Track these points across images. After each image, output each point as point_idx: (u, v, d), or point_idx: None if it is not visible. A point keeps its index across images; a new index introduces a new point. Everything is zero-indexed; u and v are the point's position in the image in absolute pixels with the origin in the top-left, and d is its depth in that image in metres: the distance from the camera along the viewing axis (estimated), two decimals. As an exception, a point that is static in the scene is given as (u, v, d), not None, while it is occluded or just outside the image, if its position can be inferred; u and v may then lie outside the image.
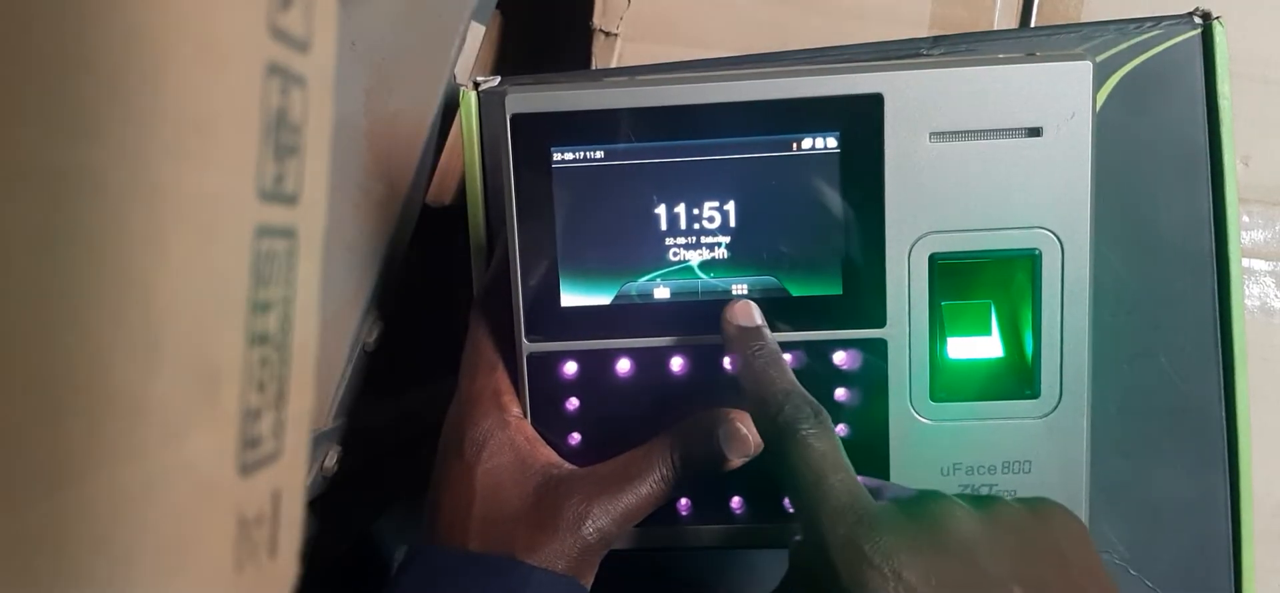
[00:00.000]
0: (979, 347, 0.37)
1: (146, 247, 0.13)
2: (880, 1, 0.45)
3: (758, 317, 0.34)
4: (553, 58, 0.55)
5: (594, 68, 0.46)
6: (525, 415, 0.37)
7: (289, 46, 0.16)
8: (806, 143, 0.34)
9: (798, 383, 0.32)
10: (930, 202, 0.34)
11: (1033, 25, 0.45)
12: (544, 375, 0.36)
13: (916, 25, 0.45)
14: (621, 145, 0.35)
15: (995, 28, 0.45)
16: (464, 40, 0.45)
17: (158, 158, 0.13)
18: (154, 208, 0.13)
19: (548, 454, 0.36)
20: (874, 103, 0.34)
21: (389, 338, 0.44)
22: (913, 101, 0.34)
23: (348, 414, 0.44)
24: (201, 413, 0.14)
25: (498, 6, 0.49)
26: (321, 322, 0.17)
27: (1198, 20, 0.38)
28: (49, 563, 0.12)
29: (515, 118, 0.34)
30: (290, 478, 0.17)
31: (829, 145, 0.34)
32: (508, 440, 0.35)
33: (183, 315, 0.14)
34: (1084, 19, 0.44)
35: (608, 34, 0.46)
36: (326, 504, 0.43)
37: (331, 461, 0.42)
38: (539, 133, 0.35)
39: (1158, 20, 0.39)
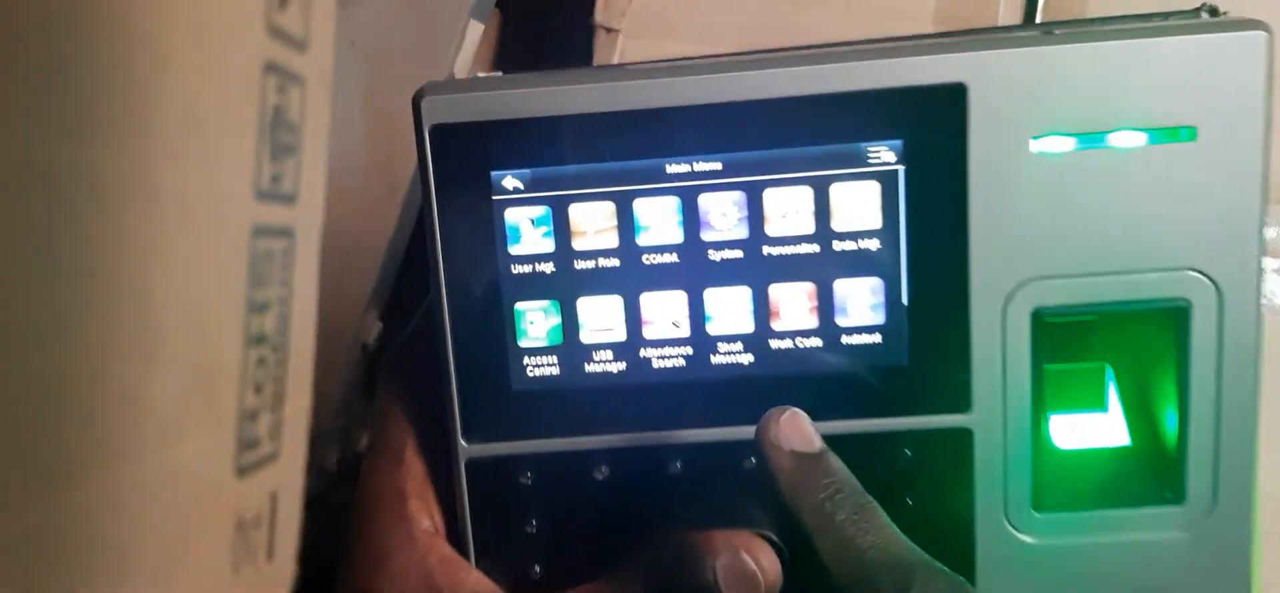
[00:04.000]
0: (1093, 429, 0.28)
1: (143, 246, 0.13)
2: (882, -2, 0.45)
3: (816, 437, 0.24)
4: (553, 57, 0.55)
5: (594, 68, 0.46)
6: (463, 524, 0.28)
7: (287, 45, 0.15)
8: (857, 154, 0.25)
9: (913, 546, 0.22)
10: (1033, 235, 0.25)
11: (1038, 21, 0.45)
12: (488, 487, 0.27)
13: (920, 20, 0.45)
14: (597, 166, 0.26)
15: (999, 23, 0.45)
16: (463, 38, 0.45)
17: (154, 157, 0.13)
18: (151, 207, 0.13)
19: (474, 584, 0.27)
20: (953, 96, 0.25)
21: (389, 338, 0.44)
22: (1008, 94, 0.25)
23: (347, 414, 0.44)
24: (199, 414, 0.14)
25: (497, 4, 0.49)
26: (320, 322, 0.17)
27: (1205, 16, 0.38)
28: (46, 564, 0.12)
29: (438, 131, 0.25)
30: (288, 479, 0.17)
31: (888, 158, 0.25)
32: (415, 563, 0.26)
33: (180, 316, 0.14)
34: (1090, 14, 0.44)
35: (609, 30, 0.45)
36: (325, 505, 0.43)
37: (330, 461, 0.42)
38: (473, 151, 0.26)
39: (1166, 15, 0.38)
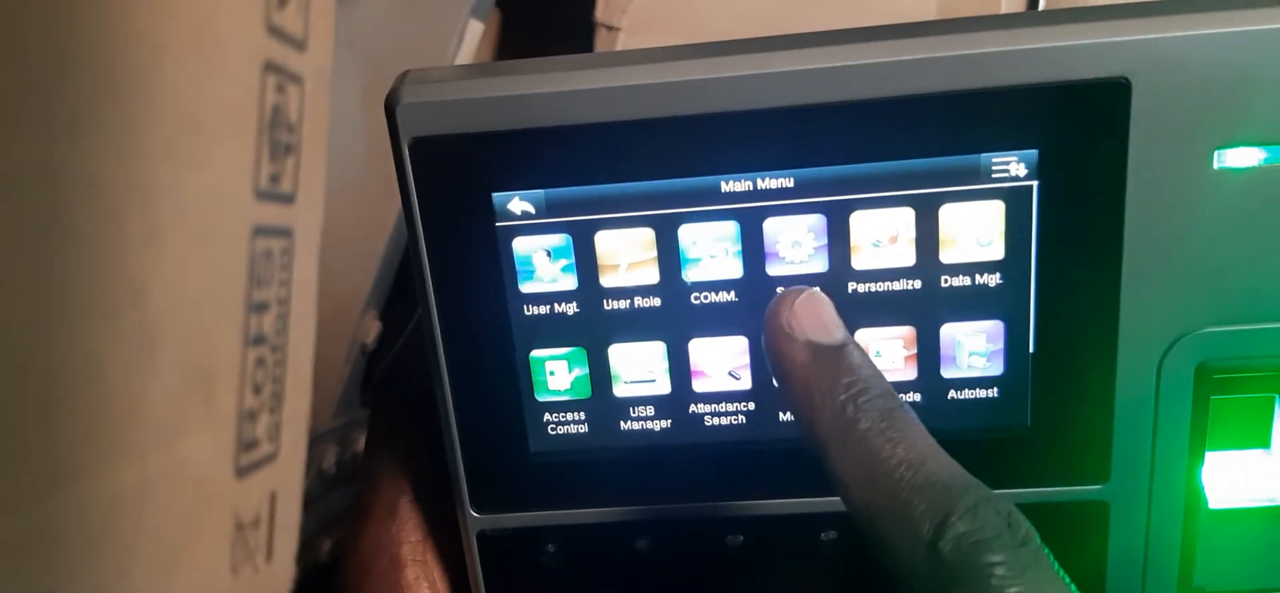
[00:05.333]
0: (1256, 480, 0.22)
1: (142, 247, 0.13)
2: (883, -4, 0.45)
3: (838, 325, 0.19)
4: (553, 55, 0.55)
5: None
6: None
7: (286, 44, 0.15)
8: (977, 167, 0.20)
9: (956, 464, 0.17)
10: (1208, 273, 0.20)
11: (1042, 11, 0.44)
12: (505, 562, 0.23)
13: (923, 15, 0.44)
14: (630, 186, 0.21)
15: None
16: (462, 38, 0.45)
17: (153, 157, 0.13)
18: (149, 207, 0.13)
19: None
20: (1111, 95, 0.19)
21: (388, 338, 0.44)
22: (1189, 91, 0.19)
23: (346, 414, 0.43)
24: (197, 415, 0.14)
25: (496, 3, 0.48)
26: (320, 322, 0.17)
27: None
28: (44, 566, 0.12)
29: (421, 147, 0.20)
30: (287, 480, 0.17)
31: (1018, 171, 0.20)
32: None
33: (179, 316, 0.14)
34: (1096, 3, 0.44)
35: (610, 29, 0.45)
36: (324, 506, 0.43)
37: (330, 461, 0.42)
38: (469, 169, 0.21)
39: None
